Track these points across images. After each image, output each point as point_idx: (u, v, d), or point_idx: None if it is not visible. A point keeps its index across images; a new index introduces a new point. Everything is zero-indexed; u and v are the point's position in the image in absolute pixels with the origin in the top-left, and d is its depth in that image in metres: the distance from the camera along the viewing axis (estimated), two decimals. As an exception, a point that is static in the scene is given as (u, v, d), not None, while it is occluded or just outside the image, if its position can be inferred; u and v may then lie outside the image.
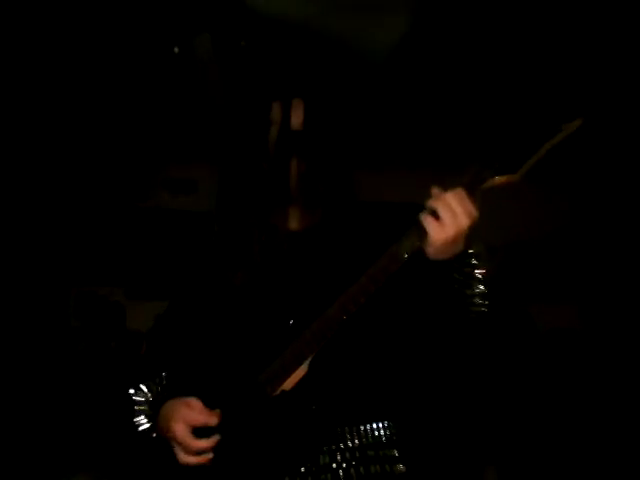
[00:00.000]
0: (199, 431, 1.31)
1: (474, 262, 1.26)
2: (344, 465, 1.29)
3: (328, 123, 1.39)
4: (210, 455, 1.30)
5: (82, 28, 2.89)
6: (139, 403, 1.43)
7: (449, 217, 1.15)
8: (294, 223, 1.42)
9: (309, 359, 1.27)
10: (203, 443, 1.30)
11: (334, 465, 1.29)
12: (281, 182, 1.36)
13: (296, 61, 1.45)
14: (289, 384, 1.28)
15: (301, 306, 1.33)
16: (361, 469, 1.30)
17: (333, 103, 1.43)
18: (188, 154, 4.34)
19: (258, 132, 1.39)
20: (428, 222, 1.16)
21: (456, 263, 1.23)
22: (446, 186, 1.19)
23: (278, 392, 1.28)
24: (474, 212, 1.16)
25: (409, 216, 1.23)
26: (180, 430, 1.29)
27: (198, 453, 1.30)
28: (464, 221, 1.15)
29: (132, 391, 1.44)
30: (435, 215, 1.16)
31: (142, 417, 1.41)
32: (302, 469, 1.29)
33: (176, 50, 3.01)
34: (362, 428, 1.33)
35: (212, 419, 1.30)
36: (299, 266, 1.38)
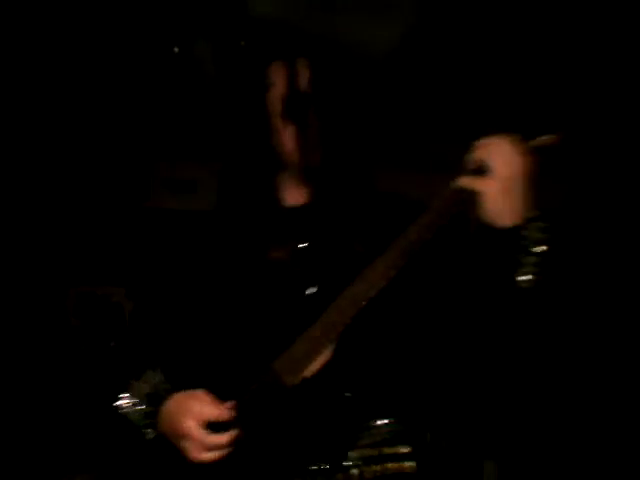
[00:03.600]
0: (212, 426, 1.16)
1: (537, 226, 1.10)
2: (359, 463, 1.19)
3: (337, 88, 1.26)
4: (229, 449, 1.15)
5: (82, 28, 2.89)
6: (134, 400, 1.26)
7: (499, 163, 1.05)
8: (291, 198, 1.30)
9: (334, 342, 1.14)
10: (221, 437, 1.14)
11: (360, 462, 1.20)
12: (275, 151, 1.24)
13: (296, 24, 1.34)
14: (310, 371, 1.14)
15: (310, 287, 1.22)
16: (375, 467, 1.20)
17: (343, 66, 1.29)
18: (188, 154, 4.34)
19: (255, 96, 1.26)
20: (473, 182, 1.07)
21: (522, 230, 1.08)
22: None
23: (299, 380, 1.14)
24: (525, 156, 1.06)
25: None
26: (192, 426, 1.14)
27: (215, 448, 1.15)
28: (515, 165, 1.05)
29: (125, 389, 1.28)
30: (478, 172, 1.07)
31: (137, 414, 1.25)
32: (327, 466, 1.18)
33: (176, 50, 3.01)
34: (377, 424, 1.23)
35: (226, 412, 1.15)
36: (307, 244, 1.25)
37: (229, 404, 1.16)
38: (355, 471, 1.19)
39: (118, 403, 1.27)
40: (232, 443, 1.15)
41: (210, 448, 1.15)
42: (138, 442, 1.25)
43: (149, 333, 1.36)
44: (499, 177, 1.05)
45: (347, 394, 1.18)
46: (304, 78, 1.22)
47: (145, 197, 4.38)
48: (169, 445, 1.21)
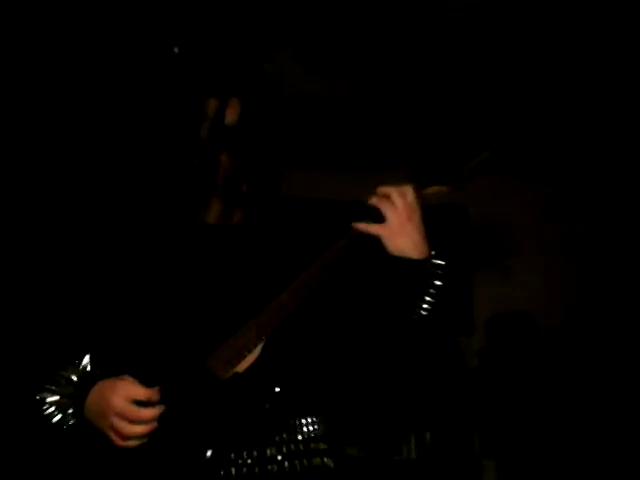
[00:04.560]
0: (139, 405, 1.26)
1: (437, 262, 1.32)
2: (289, 457, 1.32)
3: (262, 124, 1.44)
4: (155, 424, 1.25)
5: (82, 28, 2.89)
6: (58, 389, 1.35)
7: (390, 211, 1.28)
8: (215, 217, 1.44)
9: (263, 342, 1.29)
10: (149, 412, 1.24)
11: (279, 457, 1.31)
12: (208, 176, 1.40)
13: (234, 60, 1.49)
14: (241, 367, 1.28)
15: (234, 297, 1.36)
16: (304, 461, 1.32)
17: (269, 104, 1.47)
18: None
19: (191, 126, 1.42)
20: (368, 228, 1.30)
21: (425, 266, 1.30)
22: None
23: (230, 375, 1.28)
24: (413, 202, 1.29)
25: (344, 213, 1.35)
26: (120, 402, 1.24)
27: (142, 422, 1.25)
28: (404, 213, 1.28)
29: (51, 380, 1.36)
30: (375, 217, 1.30)
31: (57, 398, 1.33)
32: (249, 460, 1.29)
33: (176, 50, 3.00)
34: (304, 421, 1.36)
35: (154, 394, 1.26)
36: (223, 261, 1.40)
37: (156, 387, 1.27)
38: (286, 464, 1.31)
39: (43, 394, 1.35)
40: (157, 419, 1.25)
41: (137, 421, 1.24)
42: (57, 432, 1.33)
43: (79, 324, 1.46)
44: (391, 223, 1.28)
45: (277, 389, 1.30)
46: (234, 114, 1.40)
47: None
48: (90, 433, 1.30)
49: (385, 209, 1.29)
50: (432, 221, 1.41)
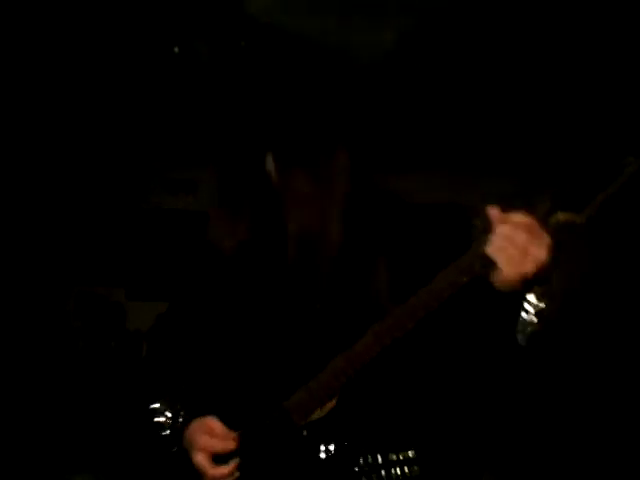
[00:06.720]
0: (220, 456, 1.27)
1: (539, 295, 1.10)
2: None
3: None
4: (236, 475, 1.26)
5: (82, 28, 2.90)
6: (161, 422, 1.37)
7: (520, 253, 1.04)
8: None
9: (341, 386, 1.20)
10: (222, 469, 1.26)
11: None
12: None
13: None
14: (317, 415, 1.22)
15: (325, 315, 1.27)
16: (383, 473, 1.25)
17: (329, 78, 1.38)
18: (188, 154, 4.34)
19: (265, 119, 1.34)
20: (499, 256, 1.06)
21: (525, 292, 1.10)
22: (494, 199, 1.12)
23: (306, 421, 1.23)
24: (549, 242, 1.05)
25: (447, 218, 1.25)
26: (199, 459, 1.27)
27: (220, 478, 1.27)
28: (542, 254, 1.03)
29: (154, 406, 1.39)
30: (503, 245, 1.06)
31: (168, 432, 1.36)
32: None
33: (176, 50, 3.01)
34: (391, 457, 1.27)
35: (229, 445, 1.26)
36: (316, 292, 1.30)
37: (234, 435, 1.26)
38: None
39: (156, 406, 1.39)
40: (235, 471, 1.26)
41: (215, 479, 1.26)
42: (164, 447, 1.37)
43: (168, 355, 1.47)
44: (523, 265, 1.05)
45: (346, 443, 1.23)
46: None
47: (146, 197, 4.39)
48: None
49: (503, 242, 1.06)
50: (431, 221, 1.33)
